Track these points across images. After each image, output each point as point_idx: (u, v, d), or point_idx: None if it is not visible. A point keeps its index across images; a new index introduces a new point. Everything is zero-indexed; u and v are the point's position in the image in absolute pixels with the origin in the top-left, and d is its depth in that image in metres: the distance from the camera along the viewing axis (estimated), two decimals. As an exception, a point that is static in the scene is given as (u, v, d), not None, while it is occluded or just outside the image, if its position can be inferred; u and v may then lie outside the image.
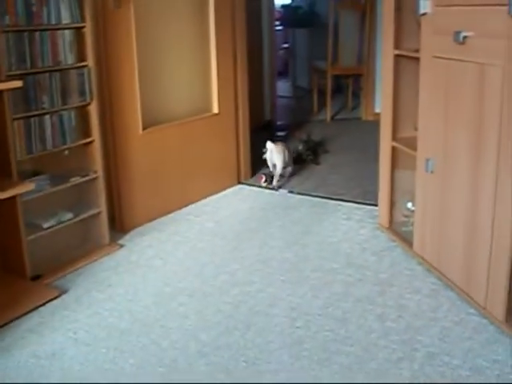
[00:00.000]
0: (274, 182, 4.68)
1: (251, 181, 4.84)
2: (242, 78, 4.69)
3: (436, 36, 2.88)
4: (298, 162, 5.20)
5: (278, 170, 4.67)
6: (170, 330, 2.74)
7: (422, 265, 3.24)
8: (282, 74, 9.56)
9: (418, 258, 3.29)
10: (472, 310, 2.81)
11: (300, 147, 5.36)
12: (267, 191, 4.62)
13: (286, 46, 9.80)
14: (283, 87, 8.87)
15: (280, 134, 6.31)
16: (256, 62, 6.51)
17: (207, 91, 4.47)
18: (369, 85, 7.09)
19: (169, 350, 2.58)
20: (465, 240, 2.81)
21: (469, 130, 2.69)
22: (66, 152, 3.33)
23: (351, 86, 7.59)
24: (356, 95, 7.52)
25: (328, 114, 7.12)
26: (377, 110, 6.86)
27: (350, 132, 6.54)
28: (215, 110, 4.48)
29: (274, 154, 4.66)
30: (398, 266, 3.29)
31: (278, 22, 8.65)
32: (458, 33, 2.63)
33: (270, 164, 4.71)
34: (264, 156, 4.70)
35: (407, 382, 2.34)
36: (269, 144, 4.68)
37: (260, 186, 4.70)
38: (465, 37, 2.61)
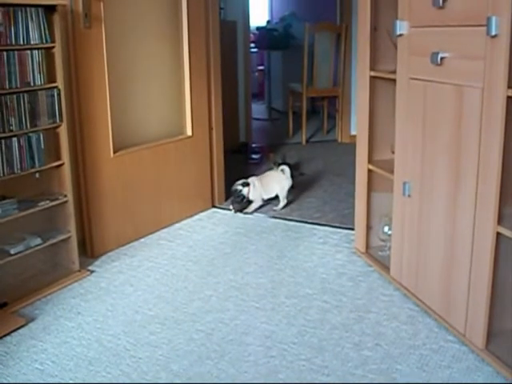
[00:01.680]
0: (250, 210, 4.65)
1: (225, 204, 4.77)
2: (216, 100, 4.63)
3: (413, 57, 2.85)
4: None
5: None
6: (140, 360, 2.64)
7: (400, 290, 3.18)
8: (257, 96, 9.55)
9: (395, 284, 3.23)
10: (451, 338, 2.75)
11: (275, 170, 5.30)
12: (241, 215, 4.54)
13: (261, 68, 9.79)
14: (258, 109, 8.85)
15: (255, 156, 6.25)
16: (231, 84, 6.49)
17: (180, 113, 4.40)
18: (344, 107, 7.08)
19: (138, 382, 2.49)
20: (443, 266, 2.75)
21: (447, 153, 2.64)
22: (37, 175, 3.23)
23: (326, 108, 7.58)
24: (331, 117, 7.51)
25: (303, 136, 7.09)
26: (353, 133, 6.87)
27: (326, 155, 6.50)
28: (189, 132, 4.40)
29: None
30: (374, 292, 3.23)
31: (253, 44, 8.64)
32: (435, 54, 2.59)
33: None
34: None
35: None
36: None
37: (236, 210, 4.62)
38: (442, 58, 2.57)
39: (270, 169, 4.95)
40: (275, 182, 4.69)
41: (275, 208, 4.67)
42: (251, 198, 4.61)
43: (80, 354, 2.69)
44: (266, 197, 4.69)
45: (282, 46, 8.86)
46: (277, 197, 4.71)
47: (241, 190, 4.60)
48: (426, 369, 2.53)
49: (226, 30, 5.64)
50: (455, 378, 2.46)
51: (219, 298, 3.20)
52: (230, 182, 4.83)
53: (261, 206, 4.69)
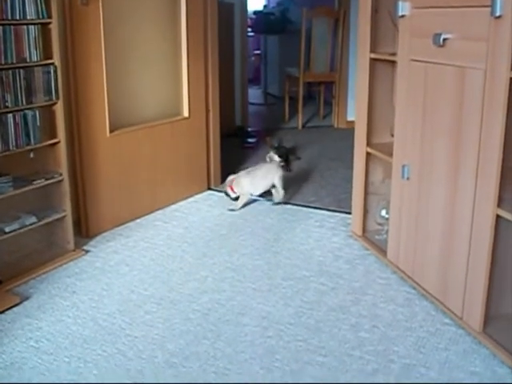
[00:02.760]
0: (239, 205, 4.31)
1: (221, 187, 4.73)
2: (213, 82, 4.60)
3: (414, 39, 2.82)
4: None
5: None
6: (136, 339, 2.62)
7: (396, 273, 3.17)
8: (253, 80, 9.49)
9: (392, 267, 3.22)
10: (447, 320, 2.74)
11: (271, 153, 5.27)
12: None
13: (257, 52, 9.74)
14: (254, 94, 8.80)
15: (250, 140, 6.22)
16: (227, 68, 6.44)
17: (177, 94, 4.36)
18: (341, 92, 7.05)
19: (134, 360, 2.47)
20: (441, 249, 2.74)
21: (447, 135, 2.62)
22: (32, 154, 3.20)
23: (323, 94, 7.54)
24: (327, 104, 7.48)
25: (299, 121, 7.06)
26: (349, 118, 6.83)
27: (322, 140, 6.47)
28: (185, 113, 4.37)
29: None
30: (371, 275, 3.22)
31: (249, 29, 8.58)
32: (437, 35, 2.56)
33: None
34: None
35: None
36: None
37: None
38: (445, 39, 2.54)
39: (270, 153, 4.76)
40: (268, 177, 4.34)
41: (276, 200, 4.40)
42: (238, 193, 4.32)
43: (75, 333, 2.68)
44: (255, 193, 4.35)
45: (278, 31, 8.81)
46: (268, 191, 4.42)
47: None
48: (423, 351, 2.52)
49: (223, 12, 5.56)
50: (452, 360, 2.45)
51: (215, 279, 3.19)
52: (225, 165, 4.80)
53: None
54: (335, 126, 7.14)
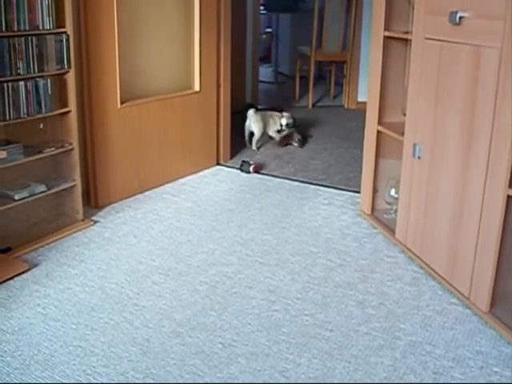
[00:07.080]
0: (254, 146, 5.16)
1: (230, 163, 4.73)
2: (224, 57, 4.57)
3: (430, 16, 2.80)
4: (284, 139, 5.26)
5: (256, 137, 5.14)
6: (144, 309, 2.63)
7: (404, 252, 3.17)
8: (264, 59, 9.44)
9: (400, 246, 3.22)
10: (454, 300, 2.74)
11: (283, 121, 5.20)
12: (244, 174, 4.49)
13: (268, 30, 9.66)
14: (265, 72, 8.76)
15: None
16: (239, 45, 6.41)
17: (189, 68, 4.35)
18: (352, 72, 7.00)
19: (141, 329, 2.48)
20: (450, 229, 2.74)
21: (460, 115, 2.61)
22: (41, 125, 3.20)
23: (334, 73, 7.50)
24: (338, 84, 7.43)
25: (310, 100, 7.02)
26: (360, 99, 6.79)
27: (332, 119, 6.44)
28: (196, 87, 4.35)
29: (252, 123, 5.11)
30: (379, 253, 3.22)
31: (261, 6, 8.51)
32: (453, 13, 2.54)
33: (246, 132, 5.19)
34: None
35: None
36: (249, 112, 5.16)
37: (238, 168, 4.55)
38: (461, 17, 2.52)
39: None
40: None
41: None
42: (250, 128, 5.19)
43: (83, 301, 2.69)
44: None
45: (291, 9, 8.74)
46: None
47: None
48: (429, 329, 2.53)
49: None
50: (458, 338, 2.46)
51: (223, 253, 3.19)
52: (235, 140, 4.79)
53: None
54: (345, 106, 7.10)
